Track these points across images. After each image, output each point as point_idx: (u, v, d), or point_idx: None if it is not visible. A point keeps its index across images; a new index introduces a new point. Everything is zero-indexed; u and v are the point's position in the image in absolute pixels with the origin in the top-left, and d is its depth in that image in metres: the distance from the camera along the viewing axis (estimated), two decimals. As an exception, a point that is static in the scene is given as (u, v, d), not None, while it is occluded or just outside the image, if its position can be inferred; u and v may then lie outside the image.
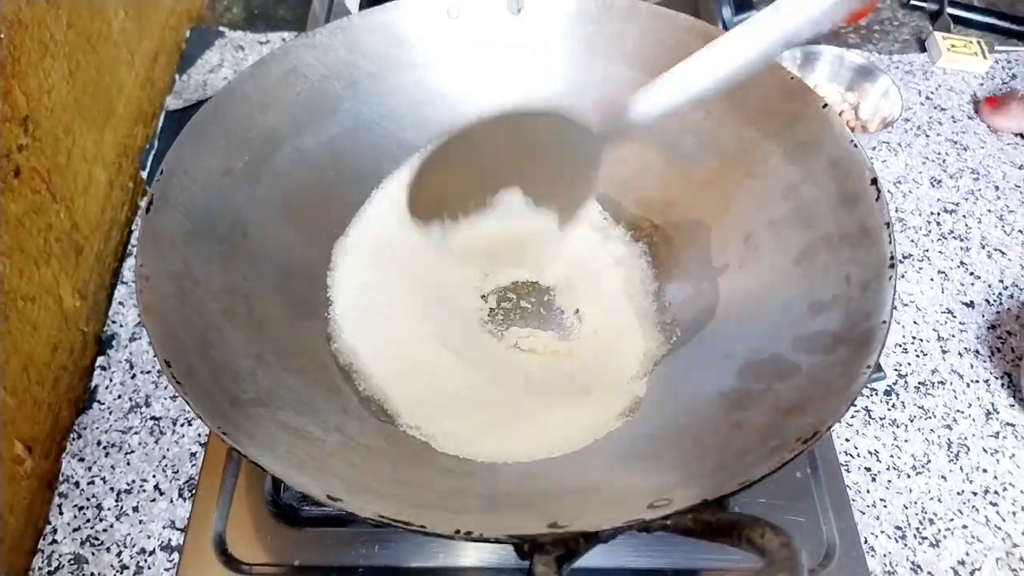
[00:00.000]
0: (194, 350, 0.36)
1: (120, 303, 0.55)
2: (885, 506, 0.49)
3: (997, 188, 0.67)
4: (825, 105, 0.46)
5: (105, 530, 0.45)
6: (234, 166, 0.45)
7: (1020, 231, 0.64)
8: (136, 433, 0.49)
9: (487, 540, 0.29)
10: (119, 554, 0.45)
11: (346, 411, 0.42)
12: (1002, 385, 0.55)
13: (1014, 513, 0.49)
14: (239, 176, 0.45)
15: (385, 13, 0.50)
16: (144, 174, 0.62)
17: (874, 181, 0.42)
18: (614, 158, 0.54)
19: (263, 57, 0.47)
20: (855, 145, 0.44)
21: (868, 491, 0.50)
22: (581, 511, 0.33)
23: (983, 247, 0.63)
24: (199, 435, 0.49)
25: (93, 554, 0.45)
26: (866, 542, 0.47)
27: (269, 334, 0.43)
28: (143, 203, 0.39)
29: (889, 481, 0.50)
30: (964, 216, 0.65)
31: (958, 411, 0.54)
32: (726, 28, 0.72)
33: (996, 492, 0.50)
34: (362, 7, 0.56)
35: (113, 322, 0.54)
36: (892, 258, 0.39)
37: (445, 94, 0.54)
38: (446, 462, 0.41)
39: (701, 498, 0.30)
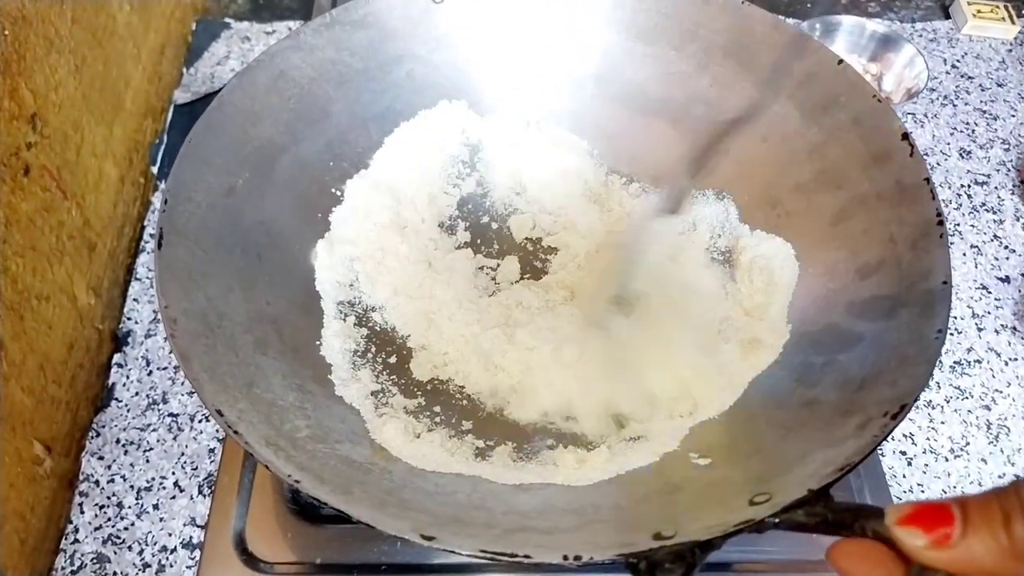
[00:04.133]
0: (239, 392, 0.35)
1: (135, 299, 0.55)
2: (923, 491, 0.47)
3: (1031, 158, 0.65)
4: (840, 61, 0.45)
5: (126, 528, 0.45)
6: (236, 184, 0.43)
7: (1057, 202, 0.62)
8: (154, 430, 0.49)
9: (599, 564, 0.28)
10: (141, 552, 0.44)
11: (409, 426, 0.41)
12: (1042, 362, 0.53)
13: (1058, 495, 0.47)
14: (243, 194, 0.43)
15: (368, 5, 0.48)
16: (155, 169, 0.61)
17: (905, 135, 0.41)
18: (622, 133, 0.53)
19: (248, 64, 0.45)
20: (878, 100, 0.43)
21: (904, 476, 0.48)
22: (678, 515, 0.32)
23: (1017, 219, 0.61)
24: (217, 431, 0.49)
25: (115, 553, 0.44)
26: (903, 528, 0.46)
27: (306, 361, 0.42)
28: (153, 239, 0.37)
29: (926, 465, 0.49)
30: (996, 188, 0.63)
31: (996, 391, 0.52)
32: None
33: (1039, 473, 0.48)
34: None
35: (128, 319, 0.54)
36: (939, 214, 0.38)
37: (438, 85, 0.52)
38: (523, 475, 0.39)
39: (806, 489, 0.29)
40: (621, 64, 0.52)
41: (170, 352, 0.52)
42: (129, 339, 0.53)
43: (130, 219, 0.57)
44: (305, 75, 0.47)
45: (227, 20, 0.73)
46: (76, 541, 0.45)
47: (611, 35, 0.51)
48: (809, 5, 0.77)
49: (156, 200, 0.60)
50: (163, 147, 0.62)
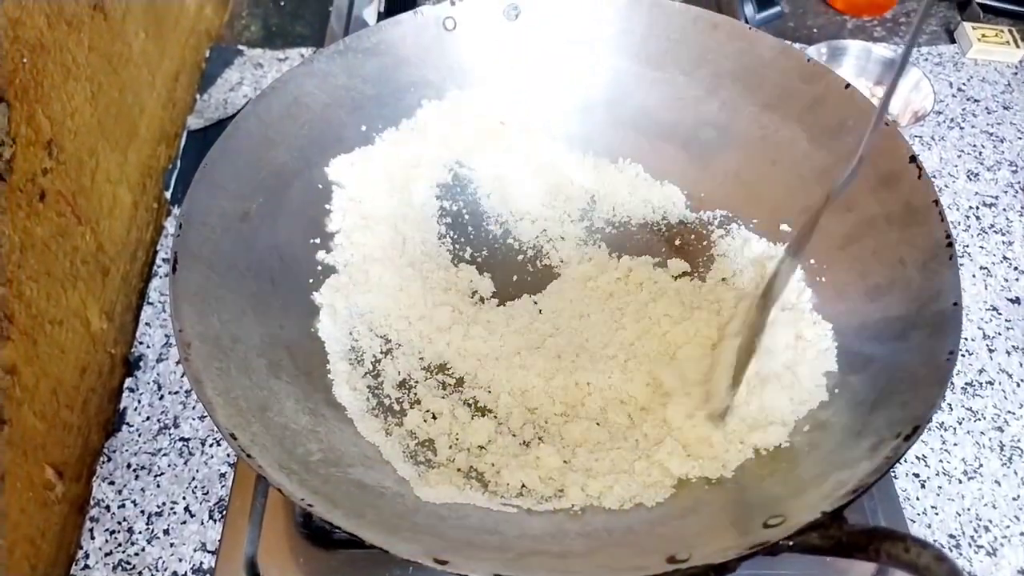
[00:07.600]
0: (253, 416, 0.35)
1: (147, 324, 0.55)
2: (937, 514, 0.47)
3: (1038, 179, 0.65)
4: (848, 85, 0.45)
5: (137, 554, 0.45)
6: (250, 209, 0.44)
7: (1065, 223, 0.62)
8: (165, 455, 0.49)
9: None
10: (151, 578, 0.44)
11: (415, 456, 0.41)
12: (1055, 384, 0.53)
13: (1075, 519, 0.47)
14: (257, 219, 0.44)
15: (380, 33, 0.49)
16: (168, 194, 0.62)
17: (913, 158, 0.41)
18: (631, 156, 0.53)
19: (263, 90, 0.46)
20: (886, 123, 0.43)
21: (918, 498, 0.48)
22: (691, 538, 0.32)
23: (1026, 241, 0.61)
24: (228, 455, 0.49)
25: (125, 579, 0.44)
26: (919, 552, 0.45)
27: (319, 385, 0.42)
28: (168, 263, 0.38)
29: (940, 487, 0.48)
30: (1004, 210, 0.63)
31: (1009, 412, 0.52)
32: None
33: (1055, 497, 0.48)
34: (380, 20, 0.56)
35: (140, 343, 0.54)
36: (948, 236, 0.38)
37: (451, 111, 0.52)
38: (532, 502, 0.39)
39: (820, 511, 0.29)
40: (631, 89, 0.53)
41: (182, 376, 0.52)
42: (141, 363, 0.53)
43: (143, 244, 0.58)
44: (318, 101, 0.48)
45: (240, 47, 0.74)
46: (86, 567, 0.44)
47: (621, 60, 0.52)
48: (815, 30, 0.77)
49: (169, 225, 0.61)
50: (176, 173, 0.63)
